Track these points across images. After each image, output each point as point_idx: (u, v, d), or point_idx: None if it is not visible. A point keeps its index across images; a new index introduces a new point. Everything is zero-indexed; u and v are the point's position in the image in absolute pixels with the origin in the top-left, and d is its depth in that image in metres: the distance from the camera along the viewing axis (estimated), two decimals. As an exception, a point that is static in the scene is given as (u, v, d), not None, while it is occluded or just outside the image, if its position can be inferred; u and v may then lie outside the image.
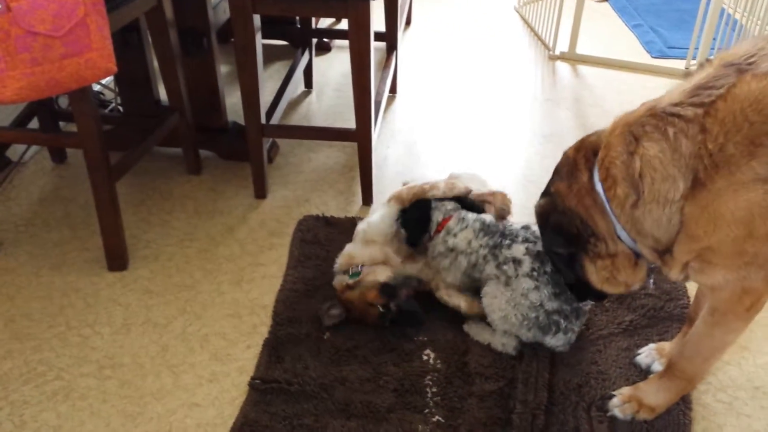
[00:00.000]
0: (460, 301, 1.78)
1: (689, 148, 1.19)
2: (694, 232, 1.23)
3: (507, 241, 1.72)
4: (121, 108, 2.63)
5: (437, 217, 1.84)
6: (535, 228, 1.67)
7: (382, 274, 1.79)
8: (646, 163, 1.23)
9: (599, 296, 1.58)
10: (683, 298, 1.86)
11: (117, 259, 2.00)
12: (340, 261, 1.88)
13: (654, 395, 1.51)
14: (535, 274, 1.64)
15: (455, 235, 1.78)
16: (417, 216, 1.86)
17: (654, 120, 1.24)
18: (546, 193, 1.49)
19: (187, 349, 1.75)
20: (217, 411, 1.58)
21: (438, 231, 1.82)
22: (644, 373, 1.63)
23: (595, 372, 1.64)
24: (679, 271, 1.32)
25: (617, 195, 1.29)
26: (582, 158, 1.37)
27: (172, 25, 2.20)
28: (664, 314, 1.81)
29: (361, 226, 1.93)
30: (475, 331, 1.73)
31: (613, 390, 1.58)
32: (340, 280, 1.84)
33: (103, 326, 1.82)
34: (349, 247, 1.91)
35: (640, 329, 1.77)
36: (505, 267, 1.68)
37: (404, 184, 1.96)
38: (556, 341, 1.64)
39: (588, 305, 1.70)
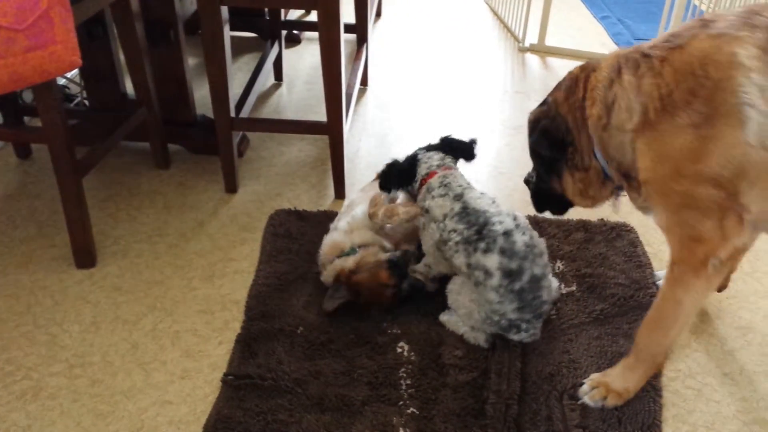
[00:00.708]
0: None
1: (648, 87, 1.32)
2: (641, 164, 1.36)
3: (483, 245, 1.62)
4: (86, 102, 2.58)
5: (422, 170, 1.83)
6: (516, 235, 1.62)
7: (382, 255, 1.80)
8: (620, 92, 1.37)
9: (565, 207, 1.73)
10: (652, 287, 1.89)
11: (85, 256, 1.97)
12: (326, 251, 1.86)
13: (621, 379, 1.54)
14: (502, 290, 1.60)
15: (433, 198, 1.76)
16: (399, 167, 1.86)
17: (636, 56, 1.37)
18: (543, 103, 1.61)
19: (158, 347, 1.73)
20: (190, 408, 1.56)
21: (422, 185, 1.81)
22: (613, 360, 1.65)
23: (566, 361, 1.66)
24: (639, 198, 1.44)
25: (593, 114, 1.43)
26: (583, 77, 1.49)
27: (138, 17, 2.17)
28: (634, 303, 1.83)
29: (344, 220, 1.92)
30: (449, 322, 1.74)
31: (585, 378, 1.60)
32: (339, 266, 1.79)
33: (72, 324, 1.79)
34: (331, 237, 1.90)
35: (611, 318, 1.79)
36: (476, 272, 1.63)
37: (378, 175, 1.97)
38: (519, 337, 1.66)
39: (548, 307, 1.71)
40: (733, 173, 1.25)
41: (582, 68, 1.52)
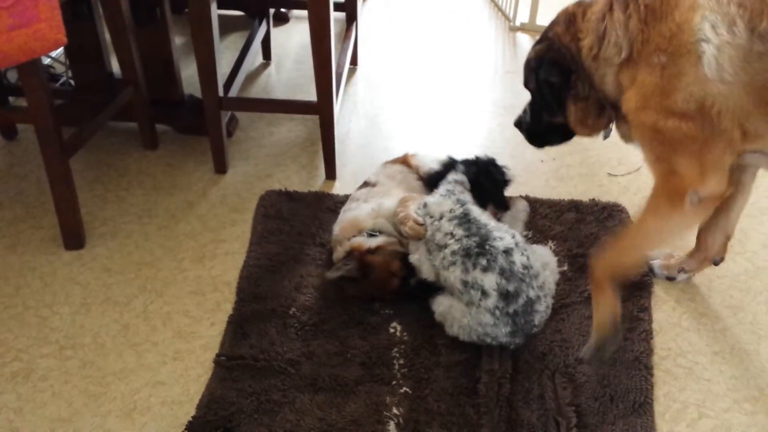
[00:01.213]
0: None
1: (633, 27, 1.41)
2: (624, 97, 1.46)
3: (484, 262, 1.56)
4: (72, 82, 2.55)
5: (441, 188, 1.79)
6: (516, 255, 1.59)
7: (400, 248, 1.77)
8: (610, 26, 1.45)
9: (565, 137, 1.74)
10: (643, 267, 1.90)
11: (73, 237, 1.95)
12: (345, 226, 1.83)
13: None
14: (497, 312, 1.55)
15: (433, 195, 1.76)
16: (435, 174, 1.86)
17: None
18: (542, 40, 1.64)
19: (150, 328, 1.72)
20: (183, 389, 1.56)
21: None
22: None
23: (558, 340, 1.67)
24: (624, 127, 1.56)
25: (586, 44, 1.50)
26: (580, 11, 1.54)
27: (125, -5, 2.13)
28: (626, 283, 1.84)
29: (371, 204, 1.88)
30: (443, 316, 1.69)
31: (576, 356, 1.61)
32: (357, 242, 1.77)
33: (62, 306, 1.77)
34: (353, 214, 1.86)
35: (602, 297, 1.80)
36: (471, 291, 1.57)
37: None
38: (508, 345, 1.62)
39: (540, 327, 1.65)
40: (697, 107, 1.34)
41: (578, 4, 1.58)
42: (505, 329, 1.56)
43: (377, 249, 1.75)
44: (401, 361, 1.62)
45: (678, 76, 1.34)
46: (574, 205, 2.15)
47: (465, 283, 1.58)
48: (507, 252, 1.58)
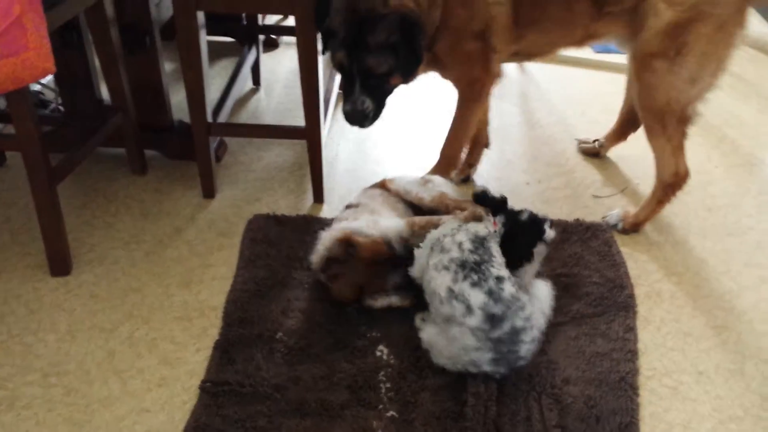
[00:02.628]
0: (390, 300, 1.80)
1: None
2: (441, 38, 1.92)
3: (474, 277, 1.58)
4: (62, 108, 2.56)
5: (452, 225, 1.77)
6: (506, 283, 1.59)
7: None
8: None
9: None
10: (627, 287, 1.91)
11: (60, 263, 1.95)
12: (334, 234, 1.84)
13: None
14: (480, 334, 1.54)
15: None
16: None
17: None
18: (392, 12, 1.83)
19: (135, 354, 1.71)
20: (168, 416, 1.55)
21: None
22: (591, 360, 1.67)
23: (545, 361, 1.67)
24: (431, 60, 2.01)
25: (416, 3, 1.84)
26: None
27: (113, 23, 2.15)
28: (610, 302, 1.85)
29: (362, 220, 1.88)
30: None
31: (562, 378, 1.61)
32: (344, 229, 1.81)
33: (47, 333, 1.77)
34: (346, 224, 1.87)
35: (587, 318, 1.81)
36: (455, 303, 1.58)
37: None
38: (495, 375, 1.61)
39: (526, 359, 1.61)
40: (485, 26, 1.90)
41: None
42: (488, 355, 1.55)
43: (364, 237, 1.78)
44: (388, 385, 1.62)
45: (475, 5, 1.88)
46: (559, 226, 2.16)
47: (450, 292, 1.59)
48: (499, 279, 1.59)
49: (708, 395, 1.63)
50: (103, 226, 2.16)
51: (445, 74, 2.08)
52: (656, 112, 1.97)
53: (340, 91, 3.05)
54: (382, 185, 2.08)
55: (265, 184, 2.40)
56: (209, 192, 2.31)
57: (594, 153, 2.59)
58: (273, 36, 3.54)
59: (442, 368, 1.64)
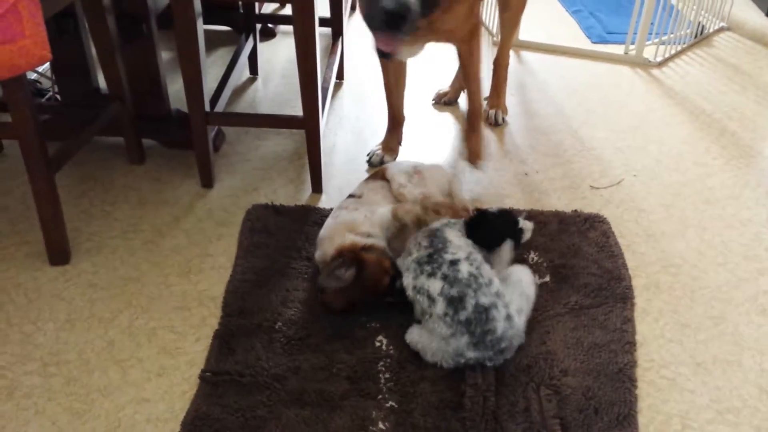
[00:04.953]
0: None
1: None
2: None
3: (428, 269, 1.65)
4: (58, 97, 2.54)
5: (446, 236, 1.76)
6: (462, 264, 1.63)
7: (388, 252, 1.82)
8: None
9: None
10: (625, 278, 1.92)
11: (58, 252, 1.94)
12: (337, 228, 1.84)
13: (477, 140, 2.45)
14: (448, 320, 1.57)
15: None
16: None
17: None
18: None
19: (135, 344, 1.71)
20: (168, 405, 1.55)
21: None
22: (589, 351, 1.68)
23: (543, 353, 1.68)
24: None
25: None
26: None
27: (110, 11, 2.14)
28: (608, 293, 1.86)
29: (361, 212, 1.89)
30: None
31: (560, 369, 1.62)
32: (351, 239, 1.78)
33: (46, 322, 1.77)
34: (345, 217, 1.87)
35: (585, 309, 1.81)
36: (419, 297, 1.64)
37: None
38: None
39: (514, 339, 1.63)
40: None
41: None
42: (463, 339, 1.57)
43: (370, 247, 1.77)
44: (387, 375, 1.62)
45: None
46: (556, 216, 2.16)
47: (415, 289, 1.66)
48: (453, 263, 1.65)
49: (706, 386, 1.64)
50: (101, 215, 2.15)
51: (448, 37, 2.23)
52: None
53: (338, 80, 3.06)
54: (382, 176, 2.08)
55: (264, 174, 2.39)
56: (207, 181, 2.30)
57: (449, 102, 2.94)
58: (270, 25, 3.52)
59: (440, 362, 1.65)
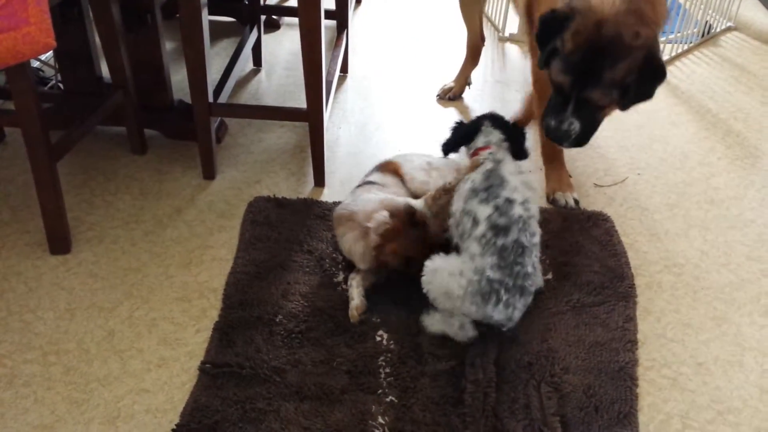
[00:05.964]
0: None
1: None
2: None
3: (483, 196, 1.68)
4: (61, 85, 2.53)
5: (479, 141, 1.84)
6: (516, 205, 1.65)
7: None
8: None
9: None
10: (628, 277, 1.91)
11: (59, 241, 1.94)
12: (372, 206, 1.81)
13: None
14: (484, 241, 1.62)
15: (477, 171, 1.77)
16: (465, 129, 1.89)
17: None
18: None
19: (135, 334, 1.71)
20: (167, 396, 1.55)
21: (474, 154, 1.82)
22: (590, 350, 1.67)
23: (545, 350, 1.67)
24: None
25: None
26: None
27: (115, 0, 2.12)
28: (610, 292, 1.85)
29: (380, 194, 1.89)
30: (432, 324, 1.69)
31: (561, 366, 1.62)
32: (409, 202, 1.81)
33: (47, 311, 1.76)
34: (378, 196, 1.87)
35: (587, 307, 1.81)
36: (464, 218, 1.68)
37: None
38: (497, 314, 1.60)
39: (533, 286, 1.68)
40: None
41: None
42: (490, 260, 1.59)
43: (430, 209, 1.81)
44: (387, 370, 1.61)
45: None
46: (560, 214, 2.16)
47: (463, 212, 1.69)
48: (509, 200, 1.67)
49: (707, 386, 1.63)
50: (102, 205, 2.15)
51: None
52: None
53: (342, 73, 3.05)
54: (395, 170, 2.04)
55: (266, 167, 2.38)
56: (209, 173, 2.30)
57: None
58: (274, 17, 3.51)
59: (441, 354, 1.63)
